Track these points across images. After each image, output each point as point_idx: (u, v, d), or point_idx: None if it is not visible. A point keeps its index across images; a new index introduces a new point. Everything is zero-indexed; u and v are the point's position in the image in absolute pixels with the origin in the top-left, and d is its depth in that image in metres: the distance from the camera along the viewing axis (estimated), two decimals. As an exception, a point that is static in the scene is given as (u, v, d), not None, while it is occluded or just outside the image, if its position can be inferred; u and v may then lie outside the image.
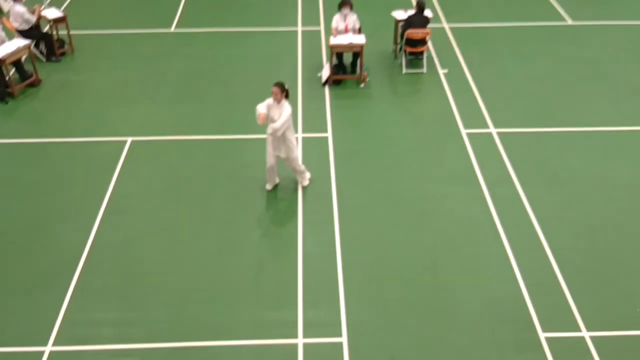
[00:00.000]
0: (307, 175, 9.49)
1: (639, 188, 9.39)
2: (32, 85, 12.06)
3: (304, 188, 9.41)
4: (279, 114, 8.64)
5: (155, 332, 7.26)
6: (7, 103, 11.50)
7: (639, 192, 9.32)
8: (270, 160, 9.06)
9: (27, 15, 12.48)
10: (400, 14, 12.80)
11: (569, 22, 14.51)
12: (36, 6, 13.03)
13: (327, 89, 11.94)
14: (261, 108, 8.64)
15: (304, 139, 10.49)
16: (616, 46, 13.43)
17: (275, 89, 8.57)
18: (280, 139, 8.86)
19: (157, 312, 7.51)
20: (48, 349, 7.08)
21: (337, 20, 12.10)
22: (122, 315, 7.47)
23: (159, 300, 7.67)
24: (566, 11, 14.98)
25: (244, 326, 7.34)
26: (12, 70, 11.99)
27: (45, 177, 9.70)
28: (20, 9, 12.40)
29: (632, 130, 10.69)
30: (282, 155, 9.03)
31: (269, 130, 8.66)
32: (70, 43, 13.33)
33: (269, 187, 9.40)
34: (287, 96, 8.72)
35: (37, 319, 7.44)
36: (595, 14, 14.82)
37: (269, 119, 8.69)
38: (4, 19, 12.83)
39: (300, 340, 7.17)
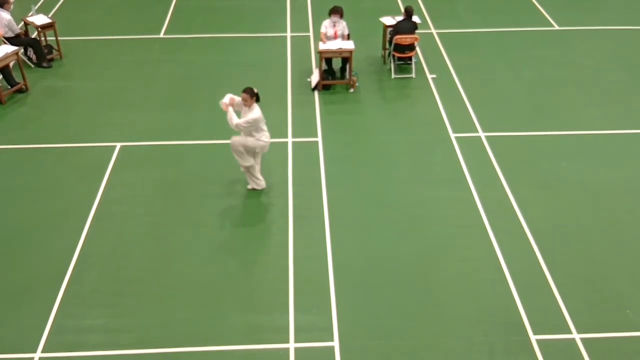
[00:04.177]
0: (262, 182, 9.40)
1: (626, 190, 9.47)
2: (21, 91, 11.99)
3: (294, 193, 9.39)
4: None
5: (145, 338, 7.21)
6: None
7: (626, 194, 9.40)
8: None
9: (13, 23, 12.43)
10: (389, 20, 12.87)
11: (556, 27, 14.64)
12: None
13: (316, 94, 11.97)
14: (226, 98, 8.81)
15: (293, 143, 10.50)
16: (601, 51, 13.57)
17: (245, 95, 8.66)
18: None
19: (147, 318, 7.46)
20: (37, 355, 7.01)
21: (326, 26, 12.14)
22: (112, 322, 7.42)
23: (149, 306, 7.63)
24: (553, 17, 15.12)
25: (235, 331, 7.31)
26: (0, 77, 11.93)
27: (34, 183, 9.63)
28: (6, 15, 12.34)
29: (618, 133, 10.79)
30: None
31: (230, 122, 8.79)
32: (59, 49, 13.27)
33: (248, 187, 9.48)
34: (257, 99, 8.80)
35: (26, 325, 7.37)
36: (581, 20, 14.97)
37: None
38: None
39: (291, 345, 7.15)
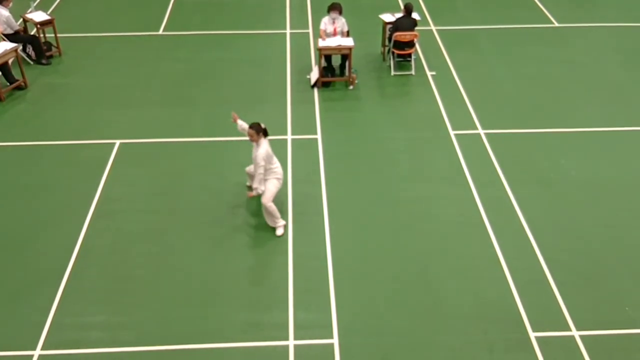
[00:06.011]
0: (279, 222, 8.60)
1: (626, 188, 9.47)
2: (20, 88, 11.97)
3: (293, 190, 9.39)
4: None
5: (144, 336, 7.22)
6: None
7: (626, 191, 9.40)
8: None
9: (12, 20, 12.41)
10: (388, 17, 12.85)
11: (555, 24, 14.63)
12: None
13: (316, 91, 11.95)
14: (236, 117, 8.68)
15: (293, 140, 10.50)
16: (601, 48, 13.56)
17: (251, 131, 8.09)
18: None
19: (147, 316, 7.47)
20: (37, 353, 7.02)
21: (325, 23, 12.12)
22: (112, 319, 7.42)
23: (148, 303, 7.63)
24: (552, 13, 15.11)
25: (235, 328, 7.31)
26: (-1, 74, 11.93)
27: (33, 181, 9.62)
28: (4, 12, 12.31)
29: (618, 130, 10.79)
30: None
31: (254, 190, 8.35)
32: (58, 46, 13.25)
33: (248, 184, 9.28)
34: (265, 134, 8.24)
35: (25, 323, 7.37)
36: (581, 16, 14.96)
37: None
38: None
39: (291, 342, 7.15)
